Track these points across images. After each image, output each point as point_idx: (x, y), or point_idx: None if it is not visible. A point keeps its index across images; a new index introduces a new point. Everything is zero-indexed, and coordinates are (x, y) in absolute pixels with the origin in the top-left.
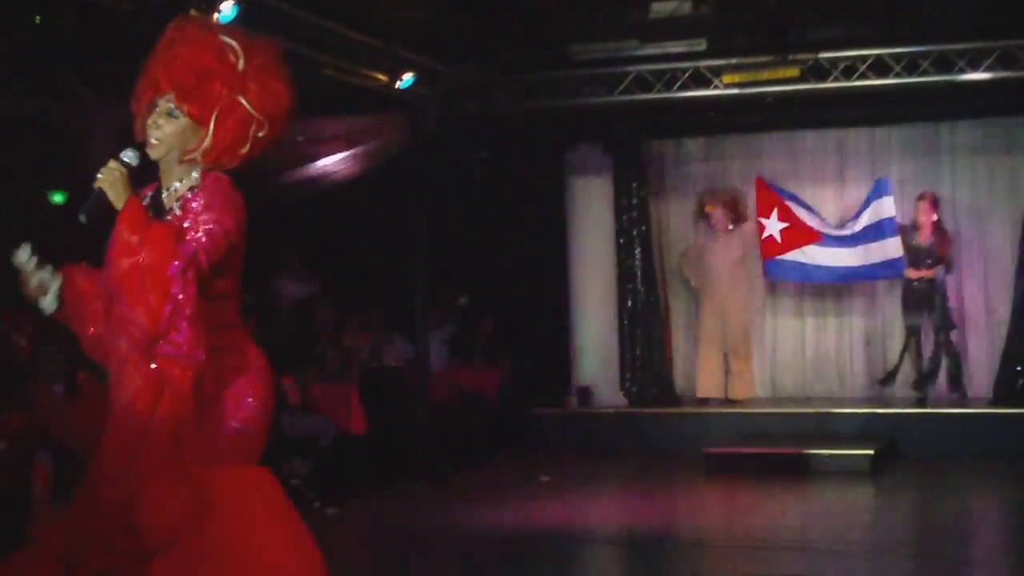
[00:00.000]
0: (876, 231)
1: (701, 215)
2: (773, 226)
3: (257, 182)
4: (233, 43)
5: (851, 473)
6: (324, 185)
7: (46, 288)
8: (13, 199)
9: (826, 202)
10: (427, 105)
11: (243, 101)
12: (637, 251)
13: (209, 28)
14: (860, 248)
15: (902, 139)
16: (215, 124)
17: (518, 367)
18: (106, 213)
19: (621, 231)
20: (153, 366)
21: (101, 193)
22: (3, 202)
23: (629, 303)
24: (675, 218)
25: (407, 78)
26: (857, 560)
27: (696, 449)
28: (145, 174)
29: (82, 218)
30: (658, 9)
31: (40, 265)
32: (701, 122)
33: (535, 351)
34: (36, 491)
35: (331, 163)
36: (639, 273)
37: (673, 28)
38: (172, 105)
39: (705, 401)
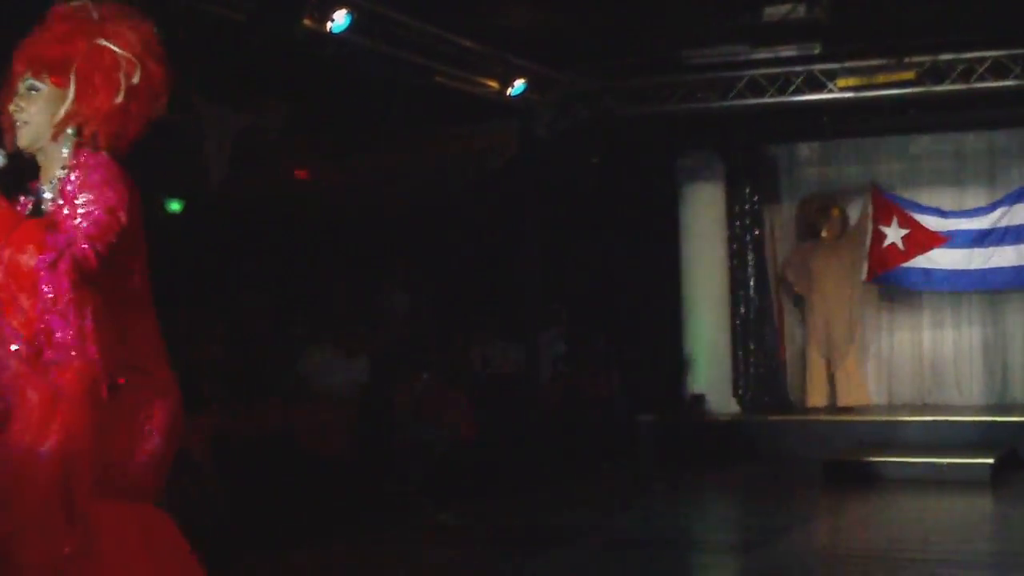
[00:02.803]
0: (1016, 234)
1: (817, 218)
2: (894, 234)
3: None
4: (84, 2)
5: (971, 482)
6: (432, 192)
7: None
8: None
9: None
10: (539, 111)
11: (105, 43)
12: (750, 257)
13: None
14: (994, 250)
15: (1022, 142)
16: (76, 78)
17: (630, 373)
18: None
19: (733, 237)
20: (48, 378)
21: None
22: None
23: (742, 309)
24: (788, 223)
25: (518, 85)
26: (979, 571)
27: (811, 457)
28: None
29: None
30: (771, 12)
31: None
32: (815, 126)
33: (647, 357)
34: None
35: (440, 170)
36: (752, 279)
37: (787, 31)
38: (31, 81)
39: (818, 409)
